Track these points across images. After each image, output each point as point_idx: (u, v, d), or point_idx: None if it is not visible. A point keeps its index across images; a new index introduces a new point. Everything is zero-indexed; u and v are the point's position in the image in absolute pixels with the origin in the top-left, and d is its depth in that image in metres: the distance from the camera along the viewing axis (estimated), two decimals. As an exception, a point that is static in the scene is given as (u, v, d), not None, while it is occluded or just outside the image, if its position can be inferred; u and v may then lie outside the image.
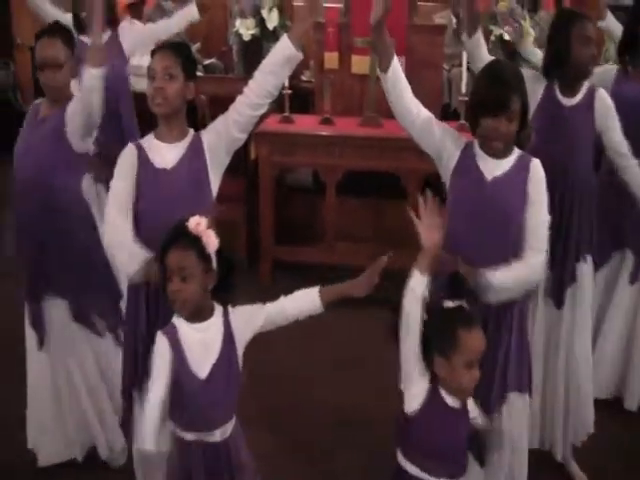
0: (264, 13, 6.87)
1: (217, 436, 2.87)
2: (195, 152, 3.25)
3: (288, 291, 5.84)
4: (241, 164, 6.53)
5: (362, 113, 6.20)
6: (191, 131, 3.30)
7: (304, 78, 7.66)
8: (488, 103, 3.10)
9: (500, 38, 6.82)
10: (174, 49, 3.27)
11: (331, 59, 6.45)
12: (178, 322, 2.83)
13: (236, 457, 2.92)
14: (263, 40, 6.97)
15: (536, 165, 3.20)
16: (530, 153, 3.24)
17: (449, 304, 2.89)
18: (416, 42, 6.34)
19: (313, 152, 6.04)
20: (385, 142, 5.92)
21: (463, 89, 6.06)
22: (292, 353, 5.15)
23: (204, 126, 3.36)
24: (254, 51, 7.01)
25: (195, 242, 2.76)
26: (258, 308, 3.01)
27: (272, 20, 6.88)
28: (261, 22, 6.90)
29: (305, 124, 6.25)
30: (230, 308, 2.91)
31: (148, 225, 3.16)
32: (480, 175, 3.22)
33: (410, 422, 2.87)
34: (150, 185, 3.21)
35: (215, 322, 2.86)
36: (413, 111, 3.49)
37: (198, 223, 2.78)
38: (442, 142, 3.44)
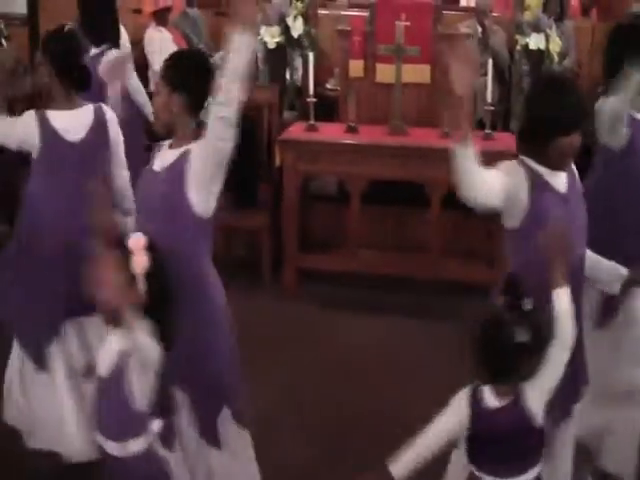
0: (289, 21, 6.89)
1: (113, 449, 2.84)
2: (182, 159, 3.21)
3: (311, 298, 5.93)
4: (266, 171, 6.57)
5: (387, 122, 6.20)
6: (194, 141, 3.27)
7: (329, 86, 7.65)
8: (566, 122, 3.00)
9: (526, 47, 6.81)
10: (165, 64, 3.29)
11: (356, 67, 6.45)
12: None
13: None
14: (288, 48, 6.98)
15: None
16: None
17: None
18: (441, 51, 6.33)
19: (338, 160, 6.04)
20: (410, 151, 5.92)
21: (489, 98, 6.05)
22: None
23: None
24: (279, 59, 7.03)
25: (124, 253, 2.79)
26: None
27: (297, 28, 6.89)
28: (286, 30, 6.92)
29: (330, 132, 6.25)
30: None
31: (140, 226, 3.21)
32: (557, 192, 3.14)
33: (471, 435, 2.85)
34: (142, 184, 3.34)
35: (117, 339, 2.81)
36: (484, 187, 3.21)
37: (138, 241, 2.81)
38: (513, 197, 3.15)
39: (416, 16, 6.20)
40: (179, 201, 3.17)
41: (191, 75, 3.22)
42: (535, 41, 6.76)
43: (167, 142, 3.33)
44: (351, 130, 6.13)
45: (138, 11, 8.25)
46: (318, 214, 6.55)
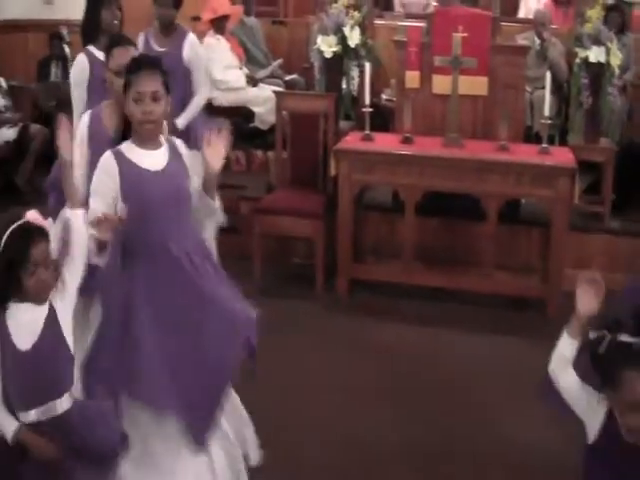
0: (346, 31, 6.88)
1: (58, 407, 2.95)
2: (175, 151, 3.40)
3: (364, 307, 5.94)
4: (321, 181, 6.59)
5: (443, 133, 6.18)
6: (161, 137, 3.40)
7: (385, 97, 7.66)
8: None
9: (585, 60, 6.73)
10: (159, 70, 3.33)
11: (412, 78, 6.44)
12: (14, 305, 2.93)
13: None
14: (344, 57, 6.99)
15: None
16: None
17: (626, 338, 2.64)
18: (498, 63, 6.30)
19: (393, 171, 6.03)
20: (466, 163, 5.89)
21: (546, 112, 6.00)
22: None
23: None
24: (335, 68, 7.03)
25: (46, 233, 2.91)
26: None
27: (353, 38, 6.88)
28: (342, 40, 6.92)
29: (385, 143, 6.25)
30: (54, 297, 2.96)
31: (135, 226, 3.27)
32: None
33: (590, 455, 2.76)
34: (137, 186, 3.33)
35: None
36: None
37: (36, 217, 2.93)
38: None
39: (473, 27, 6.17)
40: (187, 188, 3.38)
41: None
42: (595, 54, 6.67)
43: (125, 146, 3.37)
44: (406, 141, 6.12)
45: (197, 18, 8.33)
46: (372, 224, 6.55)
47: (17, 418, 2.93)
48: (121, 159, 3.32)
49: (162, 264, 3.34)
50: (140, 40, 5.79)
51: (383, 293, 6.17)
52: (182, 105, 5.67)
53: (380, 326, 5.71)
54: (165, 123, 3.42)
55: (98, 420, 3.06)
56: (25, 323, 2.91)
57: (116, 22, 5.47)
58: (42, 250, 2.86)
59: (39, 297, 2.92)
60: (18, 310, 2.91)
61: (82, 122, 4.11)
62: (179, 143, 3.43)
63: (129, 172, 3.31)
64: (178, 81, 5.59)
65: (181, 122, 5.66)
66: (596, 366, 2.68)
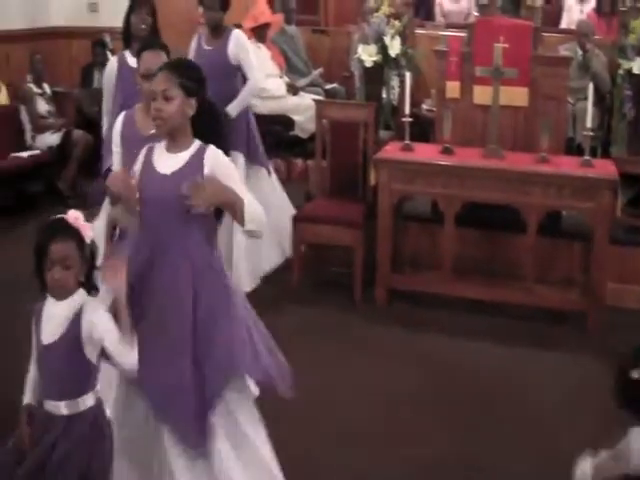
0: (386, 40, 6.89)
1: (64, 409, 3.02)
2: (196, 159, 3.34)
3: (402, 317, 5.94)
4: (360, 190, 6.59)
5: (483, 144, 6.16)
6: (196, 142, 3.38)
7: (425, 107, 7.67)
8: None
9: (629, 72, 6.68)
10: (172, 70, 3.35)
11: (453, 88, 6.42)
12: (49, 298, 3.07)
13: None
14: (385, 67, 6.99)
15: None
16: None
17: None
18: (540, 74, 6.26)
19: (432, 181, 6.01)
20: (506, 174, 5.85)
21: (588, 123, 5.96)
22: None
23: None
24: (376, 78, 7.04)
25: (75, 234, 3.00)
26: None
27: (394, 47, 6.90)
28: (383, 49, 6.93)
29: (425, 153, 6.24)
30: (89, 302, 3.05)
31: (147, 225, 3.36)
32: None
33: None
34: (150, 189, 3.37)
35: (70, 304, 3.03)
36: None
37: (76, 217, 3.02)
38: None
39: (515, 38, 6.14)
40: None
41: (200, 83, 3.39)
42: (639, 65, 6.62)
43: (159, 145, 3.42)
44: (446, 151, 6.10)
45: (238, 26, 8.37)
46: (411, 234, 6.54)
47: (42, 403, 3.07)
48: (147, 157, 3.42)
49: (157, 268, 3.36)
50: (193, 41, 6.04)
51: (421, 304, 6.16)
52: (229, 99, 5.84)
53: (418, 337, 5.70)
54: (189, 124, 3.40)
55: (106, 431, 3.14)
56: (49, 317, 3.05)
57: (144, 27, 5.62)
58: (61, 249, 2.96)
59: (53, 293, 3.03)
60: (48, 302, 3.07)
61: (117, 122, 4.20)
62: (210, 155, 3.35)
63: (144, 170, 3.40)
64: (224, 76, 5.83)
65: (233, 109, 5.82)
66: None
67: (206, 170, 3.30)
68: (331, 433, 4.58)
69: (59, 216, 3.04)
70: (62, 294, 3.02)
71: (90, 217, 3.12)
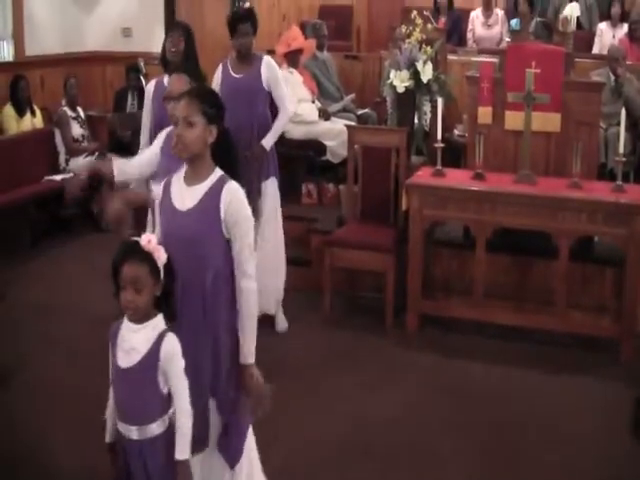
0: (418, 66, 6.90)
1: (134, 433, 3.07)
2: (213, 194, 3.33)
3: (433, 342, 5.94)
4: (392, 215, 6.60)
5: (515, 169, 6.16)
6: (216, 172, 3.38)
7: (457, 132, 7.66)
8: None
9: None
10: (195, 97, 3.37)
11: (485, 114, 6.43)
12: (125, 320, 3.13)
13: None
14: (417, 92, 7.00)
15: None
16: None
17: None
18: (572, 99, 6.25)
19: (464, 207, 6.01)
20: (538, 200, 5.84)
21: (620, 149, 5.94)
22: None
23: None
24: (408, 103, 7.04)
25: (148, 257, 3.04)
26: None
27: (426, 73, 6.90)
28: (415, 74, 6.93)
29: (456, 178, 6.24)
30: (168, 333, 3.08)
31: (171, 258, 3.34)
32: None
33: None
34: (168, 224, 3.40)
35: (148, 329, 3.07)
36: None
37: (149, 240, 3.06)
38: None
39: (547, 63, 6.15)
40: (214, 235, 3.32)
41: (220, 110, 3.42)
42: (671, 91, 6.62)
43: (176, 177, 3.44)
44: (478, 177, 6.10)
45: (271, 52, 8.44)
46: (442, 260, 6.53)
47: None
48: (165, 191, 3.44)
49: (182, 303, 3.34)
50: (219, 70, 6.01)
51: (453, 329, 6.14)
52: (261, 126, 5.89)
53: (449, 363, 5.68)
54: (208, 152, 3.41)
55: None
56: (124, 339, 3.09)
57: (174, 50, 5.76)
58: (131, 271, 3.01)
59: (128, 315, 3.08)
60: (125, 324, 3.13)
61: (160, 136, 4.35)
62: (228, 193, 3.33)
63: (162, 206, 3.43)
64: (256, 102, 5.90)
65: (267, 143, 5.88)
66: None
67: (222, 210, 3.29)
68: (360, 457, 4.57)
69: (134, 239, 3.09)
70: (136, 317, 3.06)
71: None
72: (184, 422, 3.06)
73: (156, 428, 3.08)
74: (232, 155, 3.53)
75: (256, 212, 5.85)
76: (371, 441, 4.73)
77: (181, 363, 3.06)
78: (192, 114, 3.31)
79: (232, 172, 3.42)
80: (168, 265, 3.10)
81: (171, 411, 3.10)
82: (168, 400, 3.09)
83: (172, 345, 3.05)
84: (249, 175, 5.58)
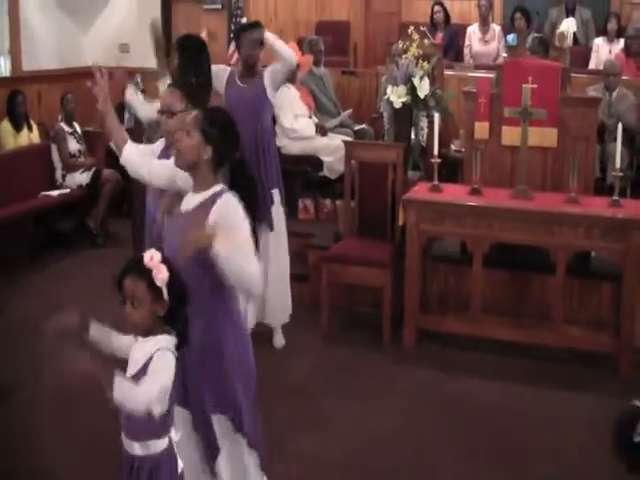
0: (415, 81, 6.91)
1: (136, 449, 3.06)
2: (208, 203, 3.40)
3: (431, 358, 5.92)
4: (389, 230, 6.60)
5: (512, 185, 6.16)
6: (215, 187, 3.43)
7: (453, 147, 7.67)
8: None
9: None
10: (202, 114, 3.50)
11: (481, 129, 6.43)
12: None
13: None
14: (414, 108, 7.01)
15: None
16: None
17: None
18: (568, 114, 6.27)
19: (461, 222, 6.01)
20: (535, 215, 5.84)
21: (617, 164, 5.94)
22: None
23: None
24: (404, 118, 7.05)
25: (146, 274, 3.02)
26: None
27: (423, 89, 6.91)
28: (412, 90, 6.94)
29: (453, 193, 6.24)
30: (160, 351, 3.02)
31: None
32: None
33: None
34: (169, 226, 3.52)
35: (150, 344, 3.05)
36: None
37: (151, 257, 3.03)
38: None
39: (543, 78, 6.16)
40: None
41: (222, 137, 3.46)
42: (668, 106, 6.63)
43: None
44: (475, 192, 6.11)
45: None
46: (440, 275, 6.53)
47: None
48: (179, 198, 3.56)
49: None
50: (226, 75, 6.04)
51: (450, 345, 6.13)
52: (264, 134, 5.97)
53: (447, 378, 5.67)
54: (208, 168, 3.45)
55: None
56: (134, 349, 3.11)
57: (171, 61, 5.76)
58: (128, 286, 3.02)
59: (128, 327, 3.08)
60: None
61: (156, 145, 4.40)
62: (220, 206, 3.37)
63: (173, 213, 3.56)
64: (262, 113, 5.98)
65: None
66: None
67: (210, 219, 3.34)
68: (360, 473, 4.57)
69: (138, 255, 3.10)
70: (135, 331, 3.08)
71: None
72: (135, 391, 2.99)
73: (158, 444, 3.07)
74: (252, 187, 3.61)
75: (269, 223, 5.88)
76: (370, 457, 4.71)
77: (164, 376, 2.99)
78: (192, 126, 3.42)
79: (251, 202, 3.48)
80: (176, 287, 3.06)
81: (161, 440, 3.08)
82: (157, 424, 3.04)
83: (160, 359, 3.00)
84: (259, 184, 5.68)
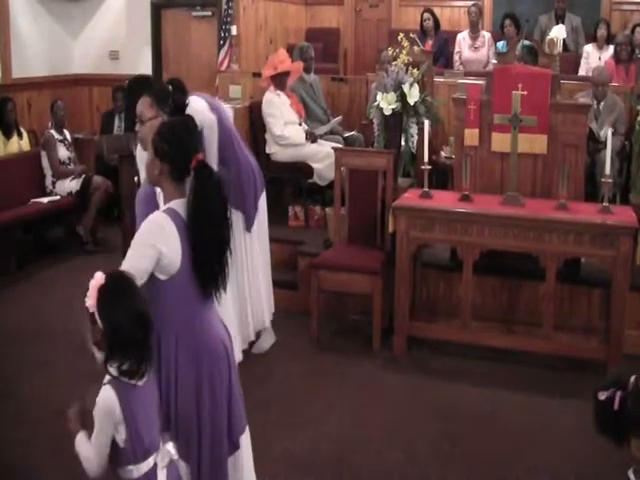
0: (405, 88, 6.91)
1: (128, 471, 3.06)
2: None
3: (420, 365, 5.91)
4: (379, 237, 6.59)
5: (502, 191, 6.16)
6: (171, 204, 3.40)
7: (444, 154, 7.67)
8: None
9: (647, 119, 6.68)
10: (155, 131, 3.49)
11: (471, 136, 6.43)
12: None
13: None
14: (404, 115, 7.01)
15: None
16: None
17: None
18: (558, 121, 6.26)
19: (451, 229, 6.00)
20: (525, 222, 5.83)
21: (607, 170, 5.95)
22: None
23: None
24: (394, 125, 7.04)
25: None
26: None
27: (413, 95, 6.90)
28: (402, 97, 6.94)
29: (444, 200, 6.23)
30: (109, 385, 3.00)
31: None
32: None
33: None
34: None
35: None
36: None
37: (97, 279, 3.00)
38: None
39: (533, 85, 6.16)
40: None
41: (173, 151, 3.39)
42: (657, 112, 6.63)
43: None
44: (465, 199, 6.10)
45: (258, 75, 8.47)
46: (430, 282, 6.53)
47: None
48: None
49: None
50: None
51: (440, 352, 6.13)
52: None
53: (437, 385, 5.66)
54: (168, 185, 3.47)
55: None
56: None
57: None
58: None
59: None
60: None
61: None
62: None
63: None
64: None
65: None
66: (612, 424, 2.71)
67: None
68: (345, 478, 4.55)
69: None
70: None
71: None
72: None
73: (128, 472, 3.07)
74: (219, 189, 3.49)
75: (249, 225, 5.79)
76: (358, 462, 4.70)
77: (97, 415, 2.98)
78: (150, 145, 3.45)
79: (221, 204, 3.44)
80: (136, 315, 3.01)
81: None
82: (136, 448, 3.03)
83: (101, 397, 3.00)
84: (246, 189, 5.65)
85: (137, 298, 3.00)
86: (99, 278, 2.98)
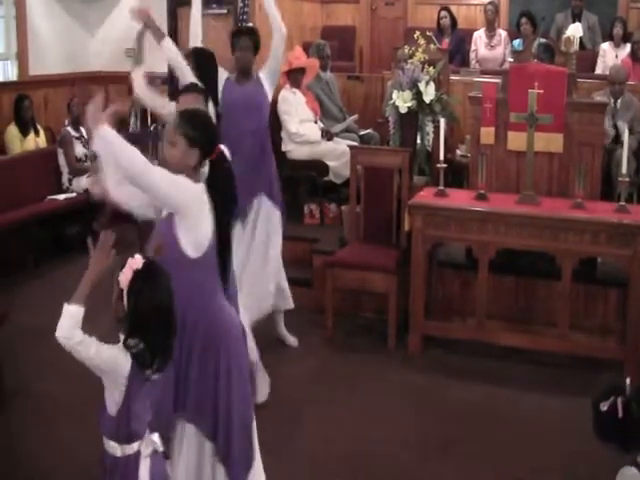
0: (421, 86, 6.90)
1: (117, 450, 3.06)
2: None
3: (436, 364, 5.90)
4: (394, 235, 6.58)
5: (518, 190, 6.15)
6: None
7: (459, 152, 7.66)
8: None
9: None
10: (179, 119, 3.54)
11: (487, 134, 6.42)
12: None
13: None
14: (419, 113, 7.00)
15: None
16: None
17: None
18: (575, 120, 6.25)
19: (466, 227, 6.00)
20: (541, 221, 5.83)
21: (624, 170, 5.93)
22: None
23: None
24: (410, 123, 7.04)
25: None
26: None
27: (429, 94, 6.90)
28: (418, 95, 6.93)
29: (459, 199, 6.23)
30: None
31: None
32: None
33: None
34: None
35: None
36: None
37: (136, 260, 3.03)
38: None
39: (549, 84, 6.15)
40: (172, 243, 3.43)
41: (206, 136, 3.54)
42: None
43: None
44: (481, 197, 6.10)
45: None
46: (445, 281, 6.52)
47: None
48: None
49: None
50: (222, 80, 5.96)
51: (455, 351, 6.12)
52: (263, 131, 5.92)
53: (452, 384, 5.66)
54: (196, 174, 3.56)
55: None
56: None
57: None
58: None
59: None
60: None
61: None
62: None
63: None
64: (262, 110, 5.94)
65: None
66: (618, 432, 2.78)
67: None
68: (359, 477, 4.57)
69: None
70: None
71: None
72: None
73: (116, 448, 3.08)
74: (230, 178, 3.64)
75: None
76: (372, 461, 4.70)
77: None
78: (173, 134, 3.50)
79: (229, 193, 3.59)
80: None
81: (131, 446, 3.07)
82: (121, 426, 3.05)
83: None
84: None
85: (166, 294, 3.03)
86: (138, 260, 3.01)
